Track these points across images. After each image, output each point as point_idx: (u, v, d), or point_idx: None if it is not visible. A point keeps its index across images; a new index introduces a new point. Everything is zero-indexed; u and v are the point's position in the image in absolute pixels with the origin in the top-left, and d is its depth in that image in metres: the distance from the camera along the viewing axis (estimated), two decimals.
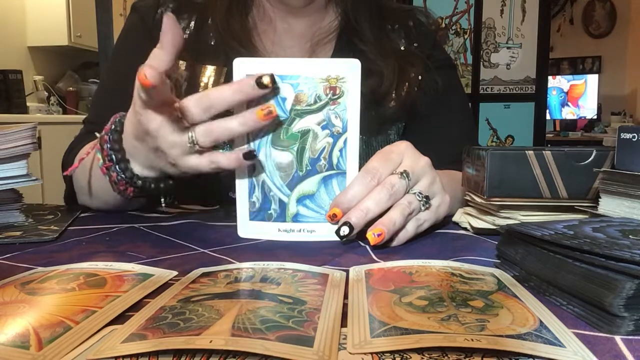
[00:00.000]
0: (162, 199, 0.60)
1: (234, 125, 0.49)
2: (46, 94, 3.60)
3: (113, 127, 0.55)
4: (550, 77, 4.97)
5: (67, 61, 3.87)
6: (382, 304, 0.32)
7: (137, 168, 0.55)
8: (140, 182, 0.56)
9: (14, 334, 0.28)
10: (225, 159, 0.50)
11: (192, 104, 0.48)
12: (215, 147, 0.51)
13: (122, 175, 0.55)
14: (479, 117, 2.62)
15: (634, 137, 0.49)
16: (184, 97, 0.50)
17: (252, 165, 0.52)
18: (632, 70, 5.28)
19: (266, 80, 0.48)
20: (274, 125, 0.51)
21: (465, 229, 0.58)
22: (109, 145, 0.55)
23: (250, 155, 0.50)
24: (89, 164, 0.64)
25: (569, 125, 5.42)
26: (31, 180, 0.60)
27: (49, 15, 3.49)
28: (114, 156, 0.55)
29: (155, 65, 0.45)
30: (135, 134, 0.52)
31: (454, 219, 0.61)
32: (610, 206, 0.50)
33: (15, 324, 0.29)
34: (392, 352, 0.26)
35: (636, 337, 0.29)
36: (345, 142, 0.52)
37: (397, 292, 0.35)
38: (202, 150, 0.50)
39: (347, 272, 0.41)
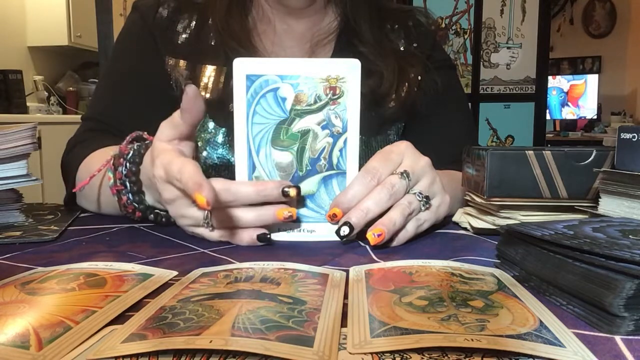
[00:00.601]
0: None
1: (250, 217, 0.49)
2: (46, 94, 3.60)
3: (130, 154, 0.55)
4: (550, 77, 4.97)
5: (67, 61, 3.87)
6: (382, 304, 0.32)
7: (151, 201, 0.56)
8: (152, 215, 0.56)
9: (14, 334, 0.28)
10: (238, 239, 0.50)
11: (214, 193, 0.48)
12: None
13: (135, 205, 0.55)
14: (479, 117, 2.62)
15: (634, 137, 0.49)
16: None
17: (252, 165, 0.52)
18: (632, 70, 5.28)
19: (292, 193, 0.48)
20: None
21: (465, 229, 0.58)
22: (124, 172, 0.54)
23: (264, 239, 0.50)
24: (99, 181, 0.64)
25: (569, 125, 5.42)
26: (31, 180, 0.60)
27: (49, 15, 3.49)
28: (128, 185, 0.55)
29: (172, 132, 0.49)
30: (150, 182, 0.52)
31: (454, 219, 0.61)
32: (610, 206, 0.50)
33: (15, 324, 0.29)
34: (392, 352, 0.26)
35: (636, 337, 0.29)
36: (345, 142, 0.52)
37: (397, 292, 0.35)
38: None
39: (347, 272, 0.41)
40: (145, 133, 0.58)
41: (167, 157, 0.48)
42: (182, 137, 0.50)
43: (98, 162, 0.60)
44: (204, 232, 0.51)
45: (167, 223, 0.57)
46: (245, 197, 0.48)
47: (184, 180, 0.44)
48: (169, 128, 0.50)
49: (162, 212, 0.57)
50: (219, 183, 0.47)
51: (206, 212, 0.49)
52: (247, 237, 0.50)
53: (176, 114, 0.49)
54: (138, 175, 0.54)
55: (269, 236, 0.50)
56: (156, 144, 0.50)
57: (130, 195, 0.55)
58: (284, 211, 0.49)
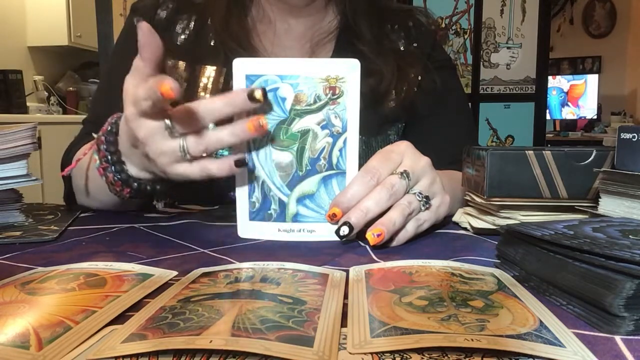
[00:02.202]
0: (156, 203, 0.60)
1: (224, 135, 0.49)
2: (46, 94, 3.60)
3: (109, 128, 0.55)
4: (550, 77, 4.97)
5: (67, 61, 3.87)
6: (382, 304, 0.32)
7: (133, 170, 0.55)
8: (135, 184, 0.56)
9: (14, 334, 0.28)
10: (216, 167, 0.50)
11: (182, 114, 0.48)
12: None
13: (118, 177, 0.55)
14: (479, 117, 2.61)
15: (634, 137, 0.49)
16: (183, 98, 0.50)
17: (252, 165, 0.52)
18: (632, 70, 5.28)
19: (258, 94, 0.48)
20: (269, 133, 0.51)
21: (465, 229, 0.58)
22: (105, 147, 0.55)
23: (241, 163, 0.50)
24: (86, 165, 0.64)
25: (569, 125, 5.42)
26: (31, 180, 0.60)
27: (49, 15, 3.50)
28: (110, 157, 0.55)
29: (136, 79, 0.47)
30: (128, 139, 0.52)
31: (454, 219, 0.61)
32: (610, 206, 0.50)
33: (15, 324, 0.29)
34: (392, 352, 0.26)
35: (636, 337, 0.29)
36: (345, 142, 0.52)
37: (397, 292, 0.35)
38: (192, 159, 0.50)
39: (347, 272, 0.41)
40: None
41: (133, 92, 0.48)
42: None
43: (86, 148, 0.61)
44: (185, 168, 0.50)
45: (153, 190, 0.57)
46: (212, 109, 0.48)
47: (147, 86, 0.45)
48: (133, 77, 0.49)
49: (146, 181, 0.56)
50: (186, 105, 0.48)
51: (180, 141, 0.48)
52: (226, 164, 0.50)
53: (136, 60, 0.48)
54: (117, 146, 0.55)
55: (246, 161, 0.50)
56: (123, 93, 0.50)
57: (112, 167, 0.55)
58: (253, 122, 0.48)
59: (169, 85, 0.43)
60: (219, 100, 0.48)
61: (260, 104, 0.49)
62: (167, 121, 0.48)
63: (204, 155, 0.50)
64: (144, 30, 0.47)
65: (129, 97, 0.49)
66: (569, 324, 0.31)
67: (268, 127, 0.49)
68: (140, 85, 0.47)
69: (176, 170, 0.51)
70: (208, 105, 0.48)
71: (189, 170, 0.50)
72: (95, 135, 0.57)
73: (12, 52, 3.44)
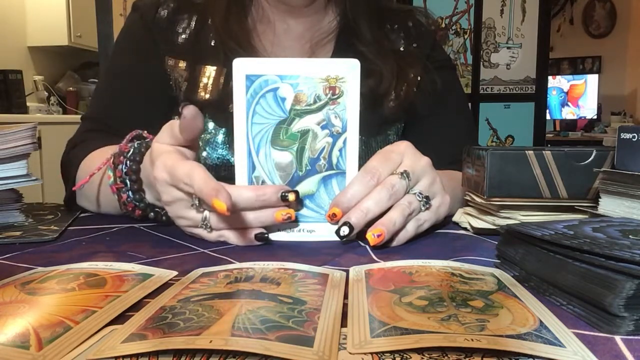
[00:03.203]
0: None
1: (250, 218, 0.49)
2: (46, 94, 3.60)
3: (131, 152, 0.55)
4: (550, 77, 4.97)
5: (67, 61, 3.87)
6: (382, 304, 0.32)
7: (151, 199, 0.56)
8: (152, 214, 0.56)
9: (14, 334, 0.28)
10: (236, 239, 0.50)
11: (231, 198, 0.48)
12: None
13: (136, 204, 0.55)
14: (479, 117, 2.61)
15: (634, 137, 0.49)
16: (183, 97, 0.50)
17: (252, 165, 0.52)
18: (632, 70, 5.28)
19: (291, 197, 0.49)
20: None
21: (465, 229, 0.58)
22: (124, 170, 0.54)
23: (262, 238, 0.50)
24: (98, 179, 0.64)
25: (569, 125, 5.42)
26: (31, 180, 0.60)
27: (49, 15, 3.50)
28: (128, 183, 0.55)
29: (172, 140, 0.49)
30: (151, 185, 0.52)
31: (454, 219, 0.61)
32: (610, 206, 0.50)
33: (15, 324, 0.29)
34: (392, 352, 0.26)
35: (636, 337, 0.29)
36: (344, 142, 0.52)
37: (397, 292, 0.35)
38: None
39: (347, 272, 0.41)
40: (145, 132, 0.58)
41: (170, 159, 0.48)
42: (183, 143, 0.51)
43: (98, 160, 0.60)
44: (202, 232, 0.51)
45: (168, 221, 0.57)
46: (245, 201, 0.48)
47: (198, 185, 0.45)
48: (169, 136, 0.50)
49: (162, 210, 0.57)
50: (217, 187, 0.47)
51: (204, 214, 0.49)
52: (245, 237, 0.50)
53: (175, 125, 0.49)
54: (138, 174, 0.54)
55: (266, 235, 0.50)
56: (155, 145, 0.50)
57: (130, 193, 0.55)
58: (282, 212, 0.49)
59: (225, 206, 0.43)
60: (253, 192, 0.48)
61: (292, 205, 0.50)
62: (196, 201, 0.48)
63: None
64: (188, 119, 0.48)
65: (165, 160, 0.48)
66: (569, 324, 0.31)
67: (294, 218, 0.50)
68: (179, 164, 0.47)
69: (193, 231, 0.51)
70: (240, 195, 0.48)
71: (205, 235, 0.51)
72: (112, 152, 0.56)
73: (12, 52, 3.44)
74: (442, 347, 0.26)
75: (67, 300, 0.34)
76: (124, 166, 0.54)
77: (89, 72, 3.84)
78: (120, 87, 0.78)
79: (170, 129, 0.50)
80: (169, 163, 0.48)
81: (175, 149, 0.50)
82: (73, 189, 0.64)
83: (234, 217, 0.49)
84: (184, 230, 0.52)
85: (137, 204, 0.55)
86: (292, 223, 0.52)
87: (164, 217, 0.57)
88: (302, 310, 0.31)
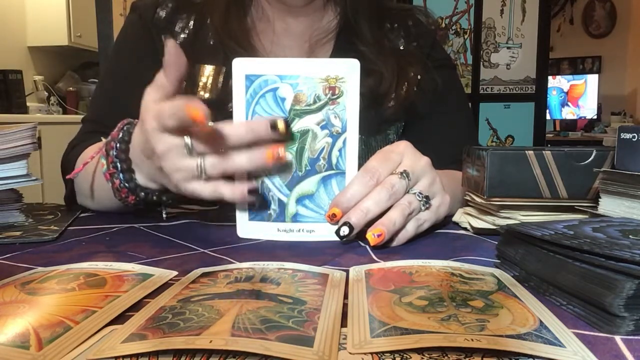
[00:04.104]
0: (164, 213, 0.60)
1: (243, 161, 0.49)
2: (46, 94, 3.60)
3: (121, 135, 0.55)
4: (550, 77, 4.97)
5: (67, 61, 3.87)
6: (382, 304, 0.32)
7: (142, 179, 0.55)
8: (142, 193, 0.56)
9: (14, 334, 0.28)
10: (229, 192, 0.50)
11: (204, 134, 0.48)
12: None
13: (126, 185, 0.55)
14: (479, 117, 2.61)
15: (634, 137, 0.49)
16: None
17: None
18: (632, 70, 5.28)
19: (280, 125, 0.48)
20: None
21: (465, 229, 0.58)
22: (115, 153, 0.54)
23: (254, 192, 0.50)
24: (92, 168, 0.64)
25: (569, 125, 5.42)
26: (31, 180, 0.60)
27: (49, 15, 3.49)
28: (119, 165, 0.54)
29: (158, 94, 0.48)
30: (142, 150, 0.52)
31: (454, 219, 0.61)
32: (610, 206, 0.50)
33: (15, 324, 0.29)
34: (392, 352, 0.26)
35: (636, 337, 0.29)
36: (344, 142, 0.52)
37: (397, 292, 0.35)
38: (207, 178, 0.50)
39: (347, 272, 0.41)
40: (136, 121, 0.58)
41: (156, 107, 0.48)
42: (168, 97, 0.50)
43: (93, 152, 0.61)
44: (198, 186, 0.50)
45: (159, 200, 0.56)
46: (234, 135, 0.48)
47: (175, 105, 0.45)
48: (155, 91, 0.49)
49: (153, 191, 0.56)
50: (208, 126, 0.47)
51: (198, 160, 0.48)
52: (237, 191, 0.50)
53: (159, 75, 0.49)
54: (127, 154, 0.54)
55: (258, 190, 0.50)
56: (143, 106, 0.50)
57: (121, 175, 0.55)
58: (272, 152, 0.49)
59: (200, 111, 0.43)
60: (242, 126, 0.48)
61: (282, 134, 0.49)
62: (188, 140, 0.48)
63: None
64: (171, 50, 0.47)
65: (151, 110, 0.48)
66: (569, 324, 0.31)
67: (287, 157, 0.50)
68: (164, 101, 0.47)
69: (189, 187, 0.50)
70: (231, 130, 0.48)
71: (201, 188, 0.50)
72: (103, 139, 0.56)
73: (12, 52, 3.44)
74: (442, 347, 0.26)
75: (67, 300, 0.34)
76: (114, 150, 0.54)
77: (89, 72, 3.84)
78: (119, 88, 0.78)
79: (155, 84, 0.49)
80: (155, 110, 0.48)
81: (161, 100, 0.49)
82: (67, 177, 0.64)
83: (227, 159, 0.49)
84: (181, 188, 0.51)
85: (128, 185, 0.55)
86: (292, 223, 0.52)
87: (154, 197, 0.56)
88: (302, 310, 0.31)
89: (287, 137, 0.50)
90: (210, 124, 0.47)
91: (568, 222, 0.42)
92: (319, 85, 0.51)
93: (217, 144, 0.48)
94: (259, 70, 0.51)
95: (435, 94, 0.79)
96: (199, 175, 0.49)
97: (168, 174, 0.50)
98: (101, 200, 0.66)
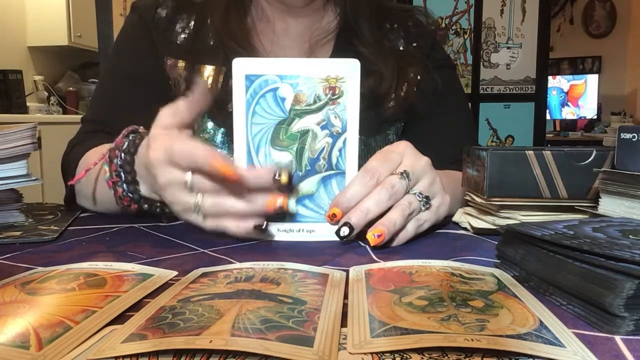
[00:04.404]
0: (164, 220, 0.60)
1: (241, 206, 0.49)
2: (46, 94, 3.60)
3: (126, 145, 0.55)
4: (550, 77, 4.97)
5: (67, 61, 3.87)
6: (382, 304, 0.32)
7: (146, 191, 0.55)
8: (146, 205, 0.56)
9: (14, 334, 0.28)
10: (234, 228, 0.49)
11: (207, 173, 0.47)
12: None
13: (129, 195, 0.55)
14: (479, 117, 2.61)
15: (634, 137, 0.49)
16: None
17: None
18: (632, 70, 5.28)
19: (284, 178, 0.48)
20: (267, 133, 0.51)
21: (465, 229, 0.58)
22: (119, 163, 0.54)
23: (260, 228, 0.49)
24: (95, 174, 0.63)
25: (569, 125, 5.42)
26: (31, 180, 0.60)
27: (49, 15, 3.50)
28: (123, 175, 0.54)
29: (174, 120, 0.50)
30: (147, 174, 0.52)
31: (454, 219, 0.61)
32: (610, 206, 0.50)
33: (15, 324, 0.29)
34: (392, 352, 0.26)
35: (636, 337, 0.29)
36: (344, 142, 0.52)
37: (397, 292, 0.35)
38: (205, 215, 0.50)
39: (347, 272, 0.41)
40: (142, 128, 0.58)
41: (167, 139, 0.48)
42: (182, 126, 0.50)
43: (95, 157, 0.60)
44: (199, 219, 0.50)
45: (162, 212, 0.56)
46: (240, 179, 0.47)
47: (190, 150, 0.45)
48: (170, 115, 0.50)
49: (156, 202, 0.56)
50: (213, 166, 0.47)
51: (197, 199, 0.48)
52: (242, 227, 0.49)
53: (180, 102, 0.49)
54: (133, 165, 0.54)
55: (265, 226, 0.49)
56: (154, 130, 0.50)
57: (125, 185, 0.54)
58: (274, 201, 0.48)
59: (231, 168, 0.44)
60: (247, 172, 0.48)
61: (285, 185, 0.49)
62: (189, 178, 0.47)
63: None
64: (202, 87, 0.49)
65: (160, 141, 0.48)
66: (569, 324, 0.31)
67: (287, 207, 0.50)
68: (177, 142, 0.47)
69: (188, 218, 0.50)
70: (235, 174, 0.47)
71: (201, 221, 0.50)
72: (107, 146, 0.56)
73: (12, 52, 3.44)
74: (442, 347, 0.26)
75: (67, 300, 0.34)
76: (118, 159, 0.54)
77: (89, 72, 3.84)
78: (119, 88, 0.78)
79: (174, 108, 0.49)
80: (166, 143, 0.47)
81: (172, 133, 0.49)
82: (69, 183, 0.64)
83: (225, 203, 0.48)
84: (180, 217, 0.51)
85: (131, 195, 0.55)
86: (292, 223, 0.52)
87: (157, 209, 0.56)
88: (302, 310, 0.31)
89: (289, 188, 0.50)
90: (215, 165, 0.46)
91: (568, 222, 0.42)
92: (319, 85, 0.51)
93: (220, 182, 0.48)
94: (259, 70, 0.51)
95: (435, 94, 0.79)
96: (196, 212, 0.49)
97: (168, 204, 0.51)
98: (103, 205, 0.66)
